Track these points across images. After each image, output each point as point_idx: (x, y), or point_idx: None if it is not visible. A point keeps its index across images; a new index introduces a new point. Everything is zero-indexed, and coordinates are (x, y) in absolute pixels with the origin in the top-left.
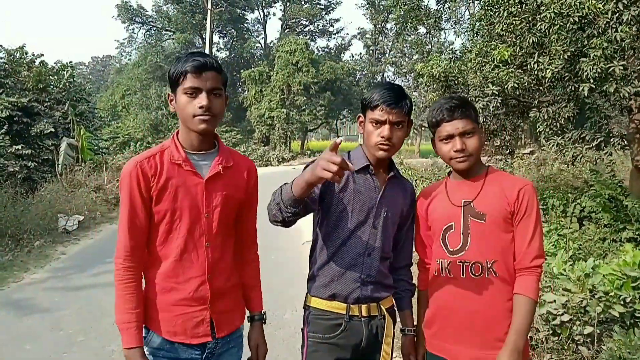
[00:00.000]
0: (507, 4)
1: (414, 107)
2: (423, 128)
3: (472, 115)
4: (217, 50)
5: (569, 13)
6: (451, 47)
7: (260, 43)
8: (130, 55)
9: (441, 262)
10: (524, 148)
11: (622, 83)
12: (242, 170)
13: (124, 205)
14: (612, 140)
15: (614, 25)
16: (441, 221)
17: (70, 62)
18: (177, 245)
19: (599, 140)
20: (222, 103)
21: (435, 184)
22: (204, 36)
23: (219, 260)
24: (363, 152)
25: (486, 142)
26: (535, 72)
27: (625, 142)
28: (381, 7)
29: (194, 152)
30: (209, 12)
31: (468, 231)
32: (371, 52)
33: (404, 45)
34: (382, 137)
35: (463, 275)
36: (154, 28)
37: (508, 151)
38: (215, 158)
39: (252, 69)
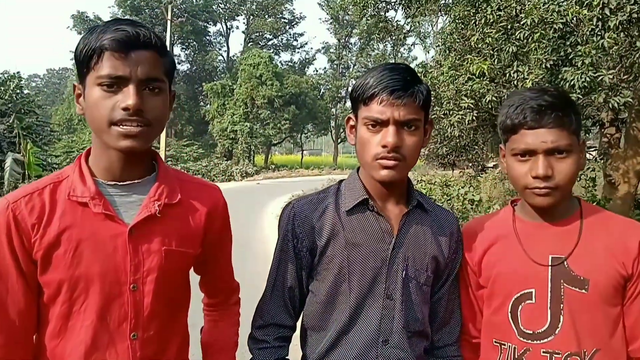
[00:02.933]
0: (484, 11)
1: None
2: None
3: (572, 125)
4: (179, 63)
5: (551, 20)
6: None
7: (222, 56)
8: None
9: (509, 347)
10: (487, 162)
11: (611, 93)
12: (198, 209)
13: None
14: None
15: (599, 33)
16: (511, 284)
17: (18, 72)
18: (80, 341)
19: None
20: (162, 103)
21: (491, 217)
22: None
23: None
24: (359, 178)
25: (458, 157)
26: (515, 83)
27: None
28: (345, 21)
29: (113, 183)
30: (168, 22)
31: (560, 305)
32: (335, 66)
33: (368, 60)
34: (385, 145)
35: None
36: None
37: (480, 167)
38: (151, 191)
39: (215, 81)
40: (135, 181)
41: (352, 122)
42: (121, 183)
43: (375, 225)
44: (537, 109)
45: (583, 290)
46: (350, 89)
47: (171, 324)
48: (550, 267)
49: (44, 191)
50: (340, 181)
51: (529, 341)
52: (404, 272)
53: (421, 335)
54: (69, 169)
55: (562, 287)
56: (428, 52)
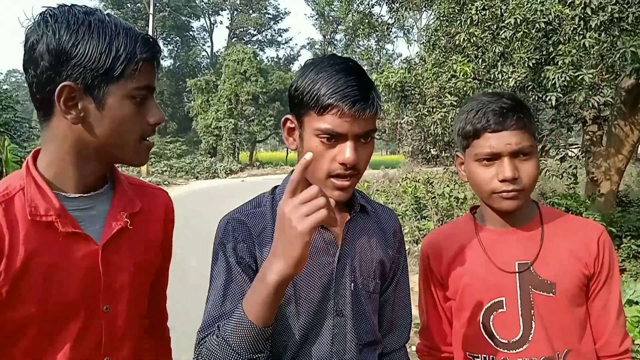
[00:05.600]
0: (468, 11)
1: None
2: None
3: (531, 126)
4: (162, 59)
5: (534, 19)
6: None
7: (206, 51)
8: None
9: (483, 359)
10: None
11: (591, 92)
12: (155, 216)
13: None
14: (570, 152)
15: (581, 32)
16: (481, 294)
17: None
18: None
19: (563, 153)
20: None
21: (451, 227)
22: None
23: None
24: None
25: (442, 154)
26: (499, 83)
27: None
28: (330, 18)
29: (75, 196)
30: (150, 17)
31: (531, 311)
32: None
33: (353, 56)
34: (343, 163)
35: None
36: None
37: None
38: (114, 201)
39: (198, 77)
40: (96, 192)
41: (292, 124)
42: (81, 195)
43: (317, 238)
44: (499, 112)
45: (551, 294)
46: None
47: (138, 343)
48: (517, 274)
49: None
50: (274, 188)
51: (506, 351)
52: (352, 284)
53: (373, 344)
54: (14, 179)
55: (530, 292)
56: (410, 45)
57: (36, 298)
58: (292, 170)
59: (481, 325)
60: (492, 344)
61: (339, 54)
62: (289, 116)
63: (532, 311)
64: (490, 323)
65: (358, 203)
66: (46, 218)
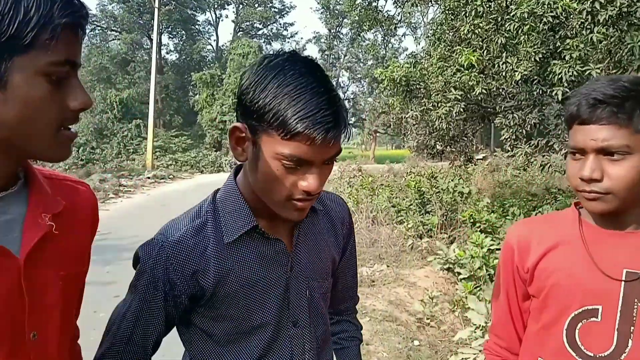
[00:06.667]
0: (474, 2)
1: (369, 112)
2: (378, 133)
3: (632, 120)
4: (167, 52)
5: (541, 13)
6: (406, 52)
7: (212, 45)
8: None
9: None
10: (476, 154)
11: None
12: (80, 215)
13: None
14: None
15: (588, 26)
16: (572, 298)
17: None
18: None
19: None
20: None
21: (552, 218)
22: (152, 37)
23: None
24: (240, 194)
25: (447, 148)
26: (504, 74)
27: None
28: (336, 11)
29: None
30: (156, 10)
31: (631, 327)
32: (326, 56)
33: (359, 51)
34: (307, 190)
35: None
36: (99, 28)
37: (467, 157)
38: (31, 202)
39: (204, 71)
40: (7, 192)
41: (242, 134)
42: None
43: (267, 249)
44: (592, 101)
45: None
46: (339, 79)
47: None
48: (623, 282)
49: None
50: (215, 193)
51: None
52: (307, 291)
53: (328, 340)
54: None
55: (635, 306)
56: (419, 44)
57: None
58: (236, 169)
59: (564, 332)
60: (573, 354)
61: (344, 48)
62: (238, 125)
63: (632, 327)
64: (577, 331)
65: None
66: None
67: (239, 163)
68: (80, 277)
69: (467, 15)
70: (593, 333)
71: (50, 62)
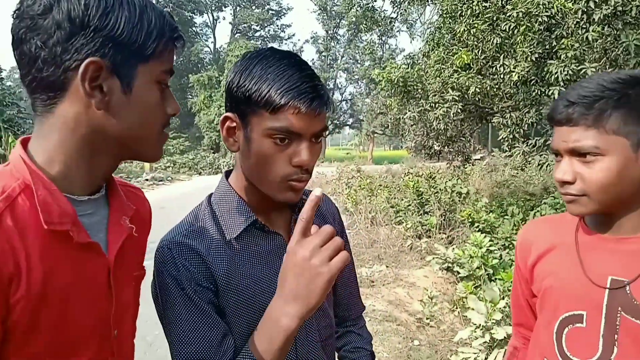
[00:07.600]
0: (470, 2)
1: (366, 113)
2: (375, 134)
3: (601, 121)
4: None
5: (537, 12)
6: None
7: (209, 47)
8: None
9: None
10: (474, 154)
11: None
12: (143, 219)
13: None
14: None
15: (584, 26)
16: (560, 302)
17: None
18: None
19: None
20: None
21: (557, 219)
22: None
23: None
24: (234, 192)
25: (445, 149)
26: (501, 76)
27: None
28: (333, 12)
29: (83, 199)
30: None
31: (615, 336)
32: (323, 57)
33: (356, 52)
34: (300, 165)
35: None
36: None
37: (465, 157)
38: (113, 204)
39: (201, 73)
40: (99, 194)
41: (233, 124)
42: (82, 197)
43: (267, 244)
44: (568, 101)
45: None
46: (337, 80)
47: None
48: (607, 290)
49: (1, 219)
50: (209, 197)
51: None
52: None
53: (331, 337)
54: (10, 177)
55: (618, 315)
56: (414, 39)
57: (50, 328)
58: (227, 172)
59: (554, 335)
60: (559, 357)
61: (342, 49)
62: (229, 115)
63: (616, 336)
64: (563, 336)
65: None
66: (61, 227)
67: (232, 167)
68: (143, 277)
69: (462, 14)
70: (579, 339)
71: (163, 71)
